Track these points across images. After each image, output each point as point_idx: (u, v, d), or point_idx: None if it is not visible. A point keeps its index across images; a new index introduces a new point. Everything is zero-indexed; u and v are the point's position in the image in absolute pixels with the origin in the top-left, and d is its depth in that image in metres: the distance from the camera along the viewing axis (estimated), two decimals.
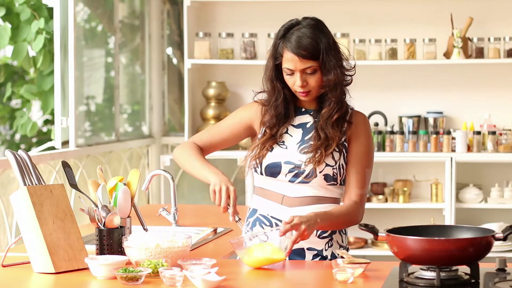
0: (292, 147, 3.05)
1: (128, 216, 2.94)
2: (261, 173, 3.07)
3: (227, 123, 3.15)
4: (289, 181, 3.03)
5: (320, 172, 3.01)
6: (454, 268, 2.53)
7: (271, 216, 3.07)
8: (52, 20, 5.53)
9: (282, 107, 3.06)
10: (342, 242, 3.12)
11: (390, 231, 2.59)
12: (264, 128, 3.09)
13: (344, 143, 3.06)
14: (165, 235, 2.80)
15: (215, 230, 3.49)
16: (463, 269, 2.55)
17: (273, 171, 3.04)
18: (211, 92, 6.15)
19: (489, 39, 5.95)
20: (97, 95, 6.37)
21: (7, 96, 6.63)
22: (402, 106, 6.17)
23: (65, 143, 5.40)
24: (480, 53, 5.93)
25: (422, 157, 5.93)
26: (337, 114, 3.03)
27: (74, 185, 2.92)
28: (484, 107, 6.06)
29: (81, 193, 2.92)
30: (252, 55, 6.05)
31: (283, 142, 3.06)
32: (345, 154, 3.06)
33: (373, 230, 2.67)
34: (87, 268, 2.73)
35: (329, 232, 3.07)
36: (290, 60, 2.99)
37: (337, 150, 3.04)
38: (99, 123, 6.38)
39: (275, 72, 3.04)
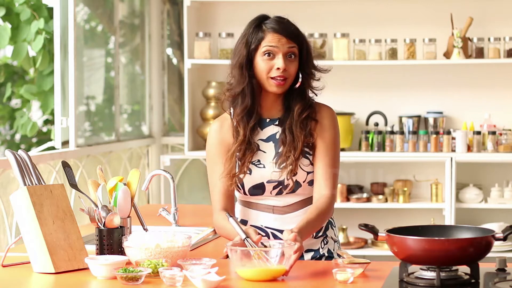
0: (269, 165, 3.00)
1: (128, 216, 2.94)
2: (245, 194, 3.03)
3: (220, 167, 3.03)
4: (276, 195, 3.02)
5: (304, 181, 3.00)
6: (454, 268, 2.53)
7: (265, 227, 3.05)
8: (52, 20, 5.53)
9: (249, 98, 2.97)
10: (335, 235, 3.13)
11: (390, 231, 2.59)
12: (237, 128, 3.00)
13: (314, 142, 3.02)
14: (165, 235, 2.80)
15: (215, 230, 3.48)
16: (463, 269, 2.55)
17: (257, 192, 3.01)
18: (211, 92, 6.15)
19: (489, 39, 5.95)
20: (97, 95, 6.37)
21: (7, 96, 6.63)
22: (402, 106, 6.17)
23: (65, 143, 5.40)
24: (480, 53, 5.93)
25: (422, 157, 5.93)
26: (307, 111, 2.98)
27: (74, 185, 2.92)
28: (484, 107, 6.06)
29: (81, 193, 2.92)
30: None
31: (259, 161, 3.00)
32: None
33: (373, 230, 2.67)
34: (87, 268, 2.74)
35: (323, 230, 3.08)
36: (275, 40, 2.92)
37: (310, 153, 3.00)
38: (99, 123, 6.38)
39: (247, 59, 2.95)
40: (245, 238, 2.75)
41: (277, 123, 3.03)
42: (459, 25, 5.93)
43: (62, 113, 5.36)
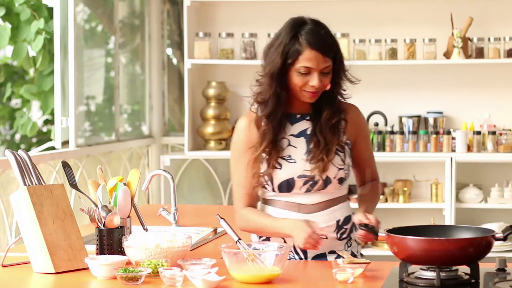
0: (301, 160, 2.98)
1: (128, 216, 2.94)
2: (273, 190, 3.00)
3: (246, 165, 3.00)
4: (305, 192, 3.00)
5: (334, 177, 2.99)
6: (454, 268, 2.53)
7: None
8: (52, 20, 5.53)
9: (272, 106, 2.94)
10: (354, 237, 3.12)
11: (390, 231, 2.59)
12: (261, 136, 2.98)
13: (347, 141, 3.02)
14: (165, 235, 2.80)
15: (215, 230, 3.49)
16: (463, 269, 2.55)
17: (287, 187, 2.98)
18: (211, 92, 6.15)
19: (489, 39, 5.95)
20: (97, 95, 6.37)
21: (7, 96, 6.63)
22: (402, 106, 6.17)
23: (65, 143, 5.40)
24: (480, 53, 5.93)
25: (422, 157, 5.93)
26: (337, 116, 3.00)
27: (74, 185, 2.92)
28: (484, 107, 6.06)
29: (81, 193, 2.92)
30: (252, 55, 6.05)
31: (290, 156, 2.98)
32: (350, 152, 3.04)
33: (373, 230, 2.67)
34: (87, 268, 2.74)
35: (348, 232, 3.06)
36: (312, 59, 2.89)
37: (342, 150, 3.01)
38: (99, 123, 6.38)
39: (280, 70, 2.91)
40: (237, 240, 2.76)
41: (308, 118, 3.02)
42: (459, 25, 5.93)
43: (62, 113, 5.36)
